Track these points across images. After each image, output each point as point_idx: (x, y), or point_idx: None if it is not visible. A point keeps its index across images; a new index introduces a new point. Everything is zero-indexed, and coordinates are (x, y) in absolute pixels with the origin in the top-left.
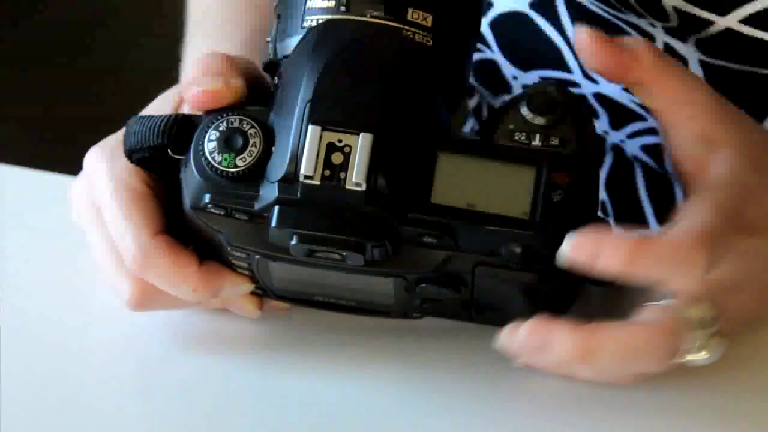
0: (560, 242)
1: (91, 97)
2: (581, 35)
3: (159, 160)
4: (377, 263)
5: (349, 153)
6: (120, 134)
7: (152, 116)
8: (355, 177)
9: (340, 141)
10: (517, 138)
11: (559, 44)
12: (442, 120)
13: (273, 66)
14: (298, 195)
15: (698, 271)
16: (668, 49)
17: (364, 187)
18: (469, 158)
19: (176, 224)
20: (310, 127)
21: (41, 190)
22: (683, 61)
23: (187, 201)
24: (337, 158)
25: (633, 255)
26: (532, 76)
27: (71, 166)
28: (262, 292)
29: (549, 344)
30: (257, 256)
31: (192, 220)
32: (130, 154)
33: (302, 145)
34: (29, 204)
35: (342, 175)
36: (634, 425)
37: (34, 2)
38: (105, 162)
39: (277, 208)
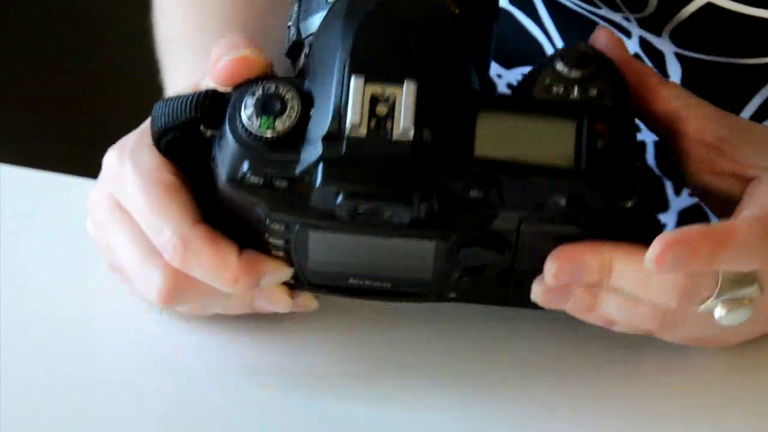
0: (606, 190)
1: (93, 97)
2: None
3: (189, 141)
4: (422, 223)
5: (394, 103)
6: (137, 132)
7: (179, 95)
8: (402, 127)
9: (383, 92)
10: (555, 92)
11: (541, 40)
12: (474, 85)
13: (297, 47)
14: (344, 150)
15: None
16: (644, 43)
17: (411, 137)
18: (509, 113)
19: (208, 215)
20: (352, 79)
21: (42, 190)
22: (659, 55)
23: (224, 174)
24: (381, 110)
25: (717, 249)
26: (515, 74)
27: (72, 166)
28: (294, 282)
29: (579, 266)
30: (297, 227)
31: (228, 197)
32: (159, 137)
33: (345, 99)
34: (30, 204)
35: (388, 125)
36: (638, 426)
37: (35, 2)
38: (128, 160)
39: (321, 165)
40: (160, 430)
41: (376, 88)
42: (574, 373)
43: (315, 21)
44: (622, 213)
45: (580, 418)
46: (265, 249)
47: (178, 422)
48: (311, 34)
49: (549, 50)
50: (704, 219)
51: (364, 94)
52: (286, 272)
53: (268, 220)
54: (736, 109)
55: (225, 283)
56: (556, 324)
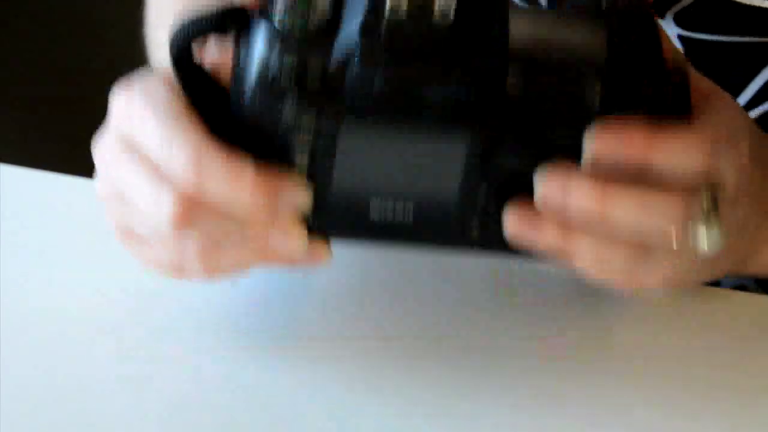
0: (634, 87)
1: (93, 97)
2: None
3: (201, 73)
4: (458, 113)
5: None
6: (142, 74)
7: (199, 11)
8: (442, 7)
9: None
10: (584, 1)
11: None
12: None
13: None
14: (383, 32)
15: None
16: None
17: (451, 18)
18: (540, 17)
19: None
20: None
21: (42, 190)
22: None
23: (253, 74)
24: None
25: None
26: None
27: (72, 166)
28: (310, 225)
29: (570, 187)
30: (326, 126)
31: (251, 110)
32: (182, 41)
33: None
34: (30, 204)
35: (427, 6)
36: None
37: (35, 2)
38: (137, 93)
39: (360, 48)
40: (160, 429)
41: None
42: (571, 371)
43: None
44: (654, 103)
45: (578, 418)
46: (288, 160)
47: (177, 422)
48: None
49: None
50: None
51: None
52: (304, 191)
53: (296, 122)
54: (737, 91)
55: (241, 197)
56: (553, 324)
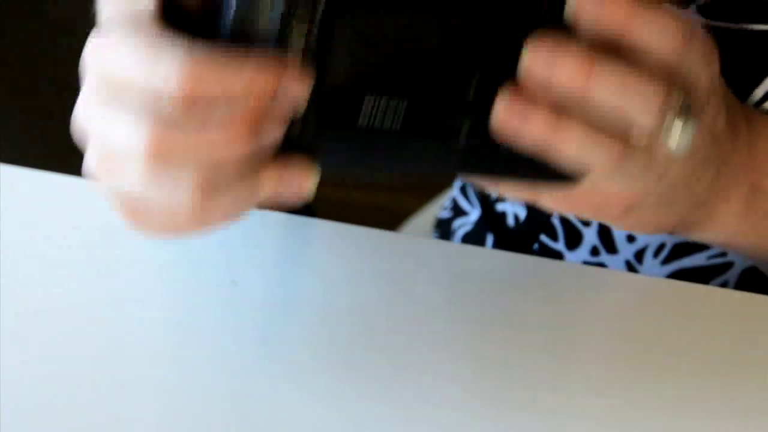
0: None
1: None
2: None
3: None
4: None
5: None
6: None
7: None
8: None
9: None
10: None
11: None
12: None
13: None
14: None
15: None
16: None
17: None
18: None
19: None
20: None
21: (42, 190)
22: None
23: None
24: None
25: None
26: None
27: (72, 166)
28: (297, 136)
29: (556, 60)
30: (323, 12)
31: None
32: None
33: None
34: (30, 204)
35: None
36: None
37: (35, 2)
38: (104, 33)
39: None
40: (159, 429)
41: None
42: (570, 370)
43: None
44: None
45: (578, 418)
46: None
47: (177, 421)
48: None
49: None
50: None
51: None
52: (303, 79)
53: (290, 11)
54: (759, 80)
55: (241, 88)
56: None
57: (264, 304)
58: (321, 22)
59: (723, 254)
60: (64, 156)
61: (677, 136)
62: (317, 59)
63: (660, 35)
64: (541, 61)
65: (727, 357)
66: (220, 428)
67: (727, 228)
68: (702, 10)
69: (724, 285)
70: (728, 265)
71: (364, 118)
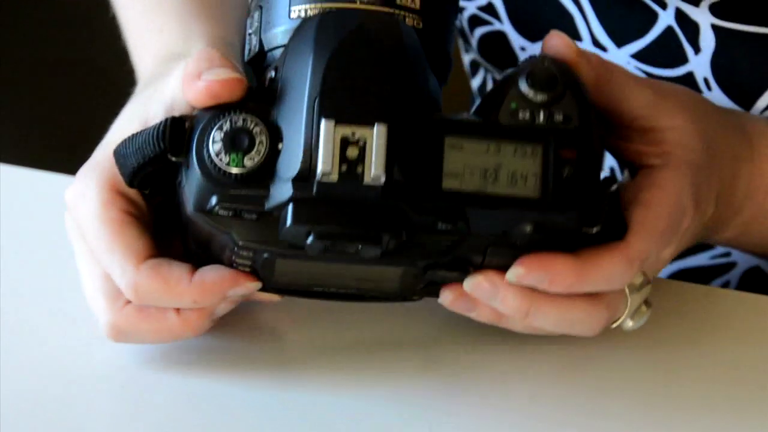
0: (571, 219)
1: (93, 97)
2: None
3: (162, 171)
4: (391, 254)
5: (365, 146)
6: (91, 162)
7: (140, 132)
8: (374, 171)
9: (353, 134)
10: (521, 117)
11: (572, 10)
12: (434, 93)
13: (260, 58)
14: (314, 192)
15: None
16: (679, 15)
17: (382, 181)
18: (476, 140)
19: (175, 230)
20: (323, 121)
21: (42, 190)
22: (694, 27)
23: (190, 204)
24: (352, 153)
25: (578, 279)
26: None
27: (72, 166)
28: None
29: (498, 296)
30: (265, 255)
31: (195, 224)
32: (132, 177)
33: (316, 141)
34: (30, 204)
35: (359, 169)
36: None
37: (35, 2)
38: (82, 199)
39: (291, 206)
40: (159, 429)
41: (346, 130)
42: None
43: (278, 35)
44: (586, 238)
45: (578, 418)
46: (231, 265)
47: (176, 422)
48: (275, 47)
49: (579, 22)
50: None
51: (334, 138)
52: (253, 286)
53: (236, 248)
54: (765, 86)
55: (185, 306)
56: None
57: (262, 305)
58: (261, 260)
59: (726, 254)
60: (64, 156)
61: (630, 324)
62: (262, 272)
63: (610, 284)
64: (483, 293)
65: (727, 357)
66: (219, 428)
67: (729, 241)
68: (713, 9)
69: (725, 285)
70: (731, 265)
71: (319, 290)
